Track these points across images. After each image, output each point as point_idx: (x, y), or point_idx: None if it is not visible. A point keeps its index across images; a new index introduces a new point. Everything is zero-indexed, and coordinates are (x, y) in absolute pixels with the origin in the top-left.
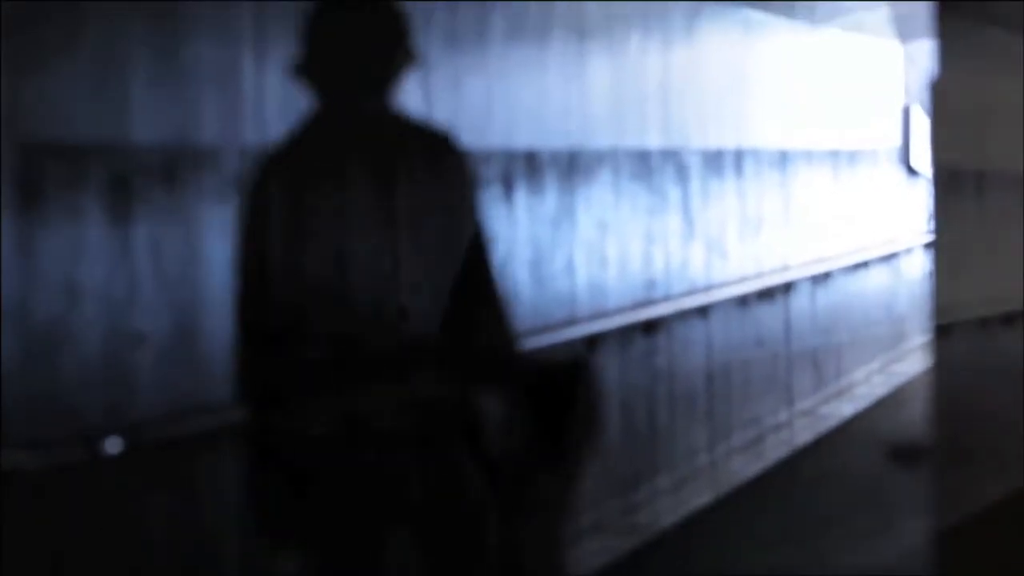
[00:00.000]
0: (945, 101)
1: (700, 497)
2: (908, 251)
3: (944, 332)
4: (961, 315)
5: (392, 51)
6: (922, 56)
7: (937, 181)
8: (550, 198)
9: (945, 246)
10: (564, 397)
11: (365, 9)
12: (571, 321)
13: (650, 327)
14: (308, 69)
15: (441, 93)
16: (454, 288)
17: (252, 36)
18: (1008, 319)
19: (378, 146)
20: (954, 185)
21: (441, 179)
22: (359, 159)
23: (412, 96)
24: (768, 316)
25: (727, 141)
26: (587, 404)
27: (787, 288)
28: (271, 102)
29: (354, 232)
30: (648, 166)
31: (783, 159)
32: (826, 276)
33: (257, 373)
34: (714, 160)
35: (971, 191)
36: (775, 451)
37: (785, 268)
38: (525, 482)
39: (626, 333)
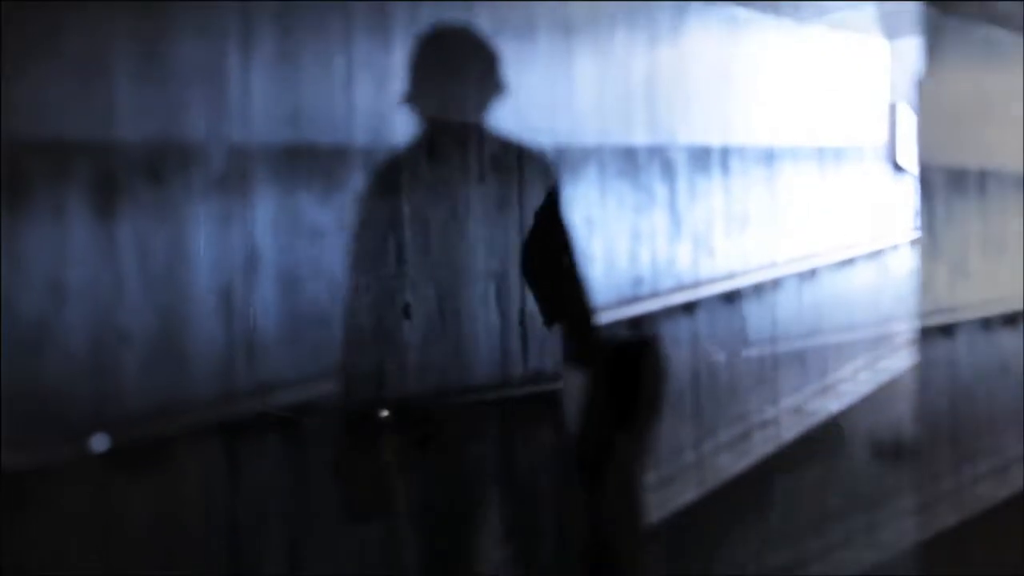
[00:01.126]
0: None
1: (687, 493)
2: (895, 248)
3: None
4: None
5: (485, 81)
6: (909, 54)
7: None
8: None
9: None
10: (635, 369)
11: (463, 46)
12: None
13: (636, 324)
14: (415, 96)
15: None
16: (548, 274)
17: (238, 33)
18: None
19: (476, 159)
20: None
21: (532, 184)
22: (458, 171)
23: (399, 92)
24: (754, 313)
25: (713, 138)
26: (654, 375)
27: (774, 285)
28: (257, 99)
29: (457, 230)
30: (634, 163)
31: (769, 156)
32: (812, 273)
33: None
34: (700, 157)
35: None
36: (762, 448)
37: (772, 265)
38: (604, 442)
39: (612, 330)
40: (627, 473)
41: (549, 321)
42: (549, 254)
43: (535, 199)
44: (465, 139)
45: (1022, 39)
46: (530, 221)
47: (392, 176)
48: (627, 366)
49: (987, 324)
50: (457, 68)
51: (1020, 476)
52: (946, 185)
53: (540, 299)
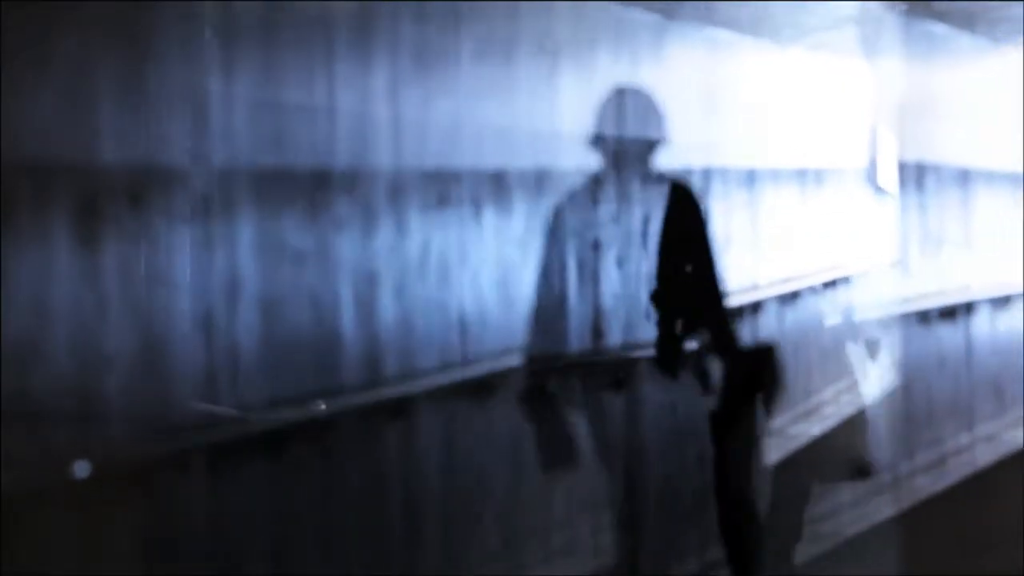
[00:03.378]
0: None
1: None
2: (876, 270)
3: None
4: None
5: (655, 131)
6: (889, 76)
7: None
8: (518, 218)
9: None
10: (761, 368)
11: (638, 103)
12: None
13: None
14: (597, 141)
15: (409, 113)
16: (698, 285)
17: (219, 58)
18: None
19: (646, 194)
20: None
21: (684, 213)
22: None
23: (382, 115)
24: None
25: (695, 160)
26: (774, 374)
27: (755, 308)
28: (239, 124)
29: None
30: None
31: (751, 178)
32: (794, 295)
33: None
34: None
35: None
36: None
37: (753, 287)
38: (736, 424)
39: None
40: (749, 451)
41: (687, 324)
42: (696, 267)
43: (681, 220)
44: (635, 172)
45: (964, 35)
46: (669, 232)
47: (580, 198)
48: (756, 365)
49: (924, 318)
50: (633, 119)
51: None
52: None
53: (672, 305)
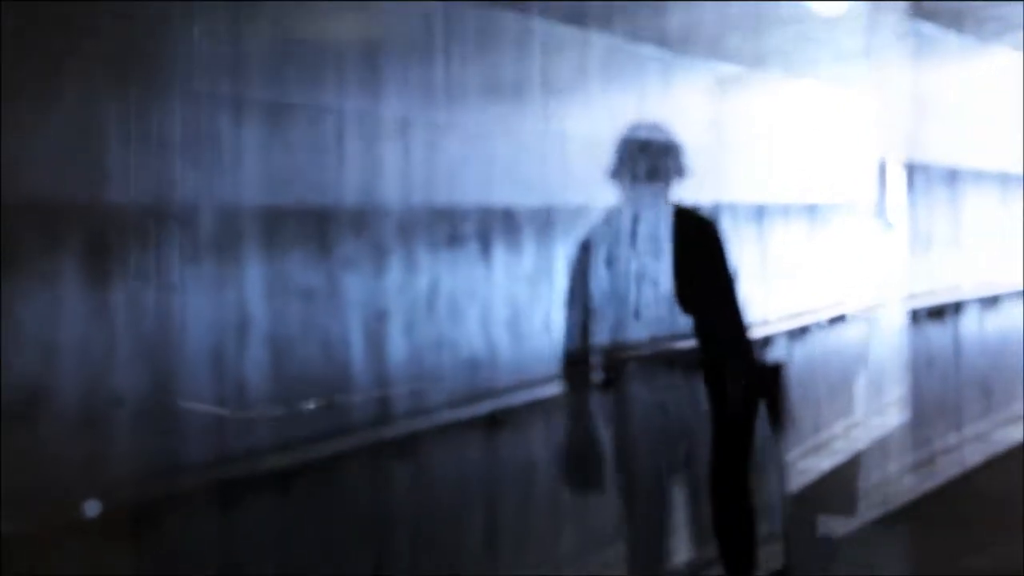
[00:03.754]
0: None
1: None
2: (885, 304)
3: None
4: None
5: (674, 165)
6: (898, 109)
7: None
8: (527, 255)
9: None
10: (770, 382)
11: (658, 138)
12: (550, 378)
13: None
14: (618, 174)
15: (418, 150)
16: (715, 312)
17: (229, 97)
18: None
19: (662, 223)
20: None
21: (701, 243)
22: (649, 230)
23: (392, 154)
24: None
25: (704, 195)
26: (782, 389)
27: (766, 342)
28: (247, 163)
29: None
30: None
31: (760, 213)
32: (803, 330)
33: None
34: None
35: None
36: None
37: (764, 322)
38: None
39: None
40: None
41: (707, 343)
42: (713, 289)
43: (698, 247)
44: (654, 205)
45: (952, 34)
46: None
47: (602, 229)
48: (765, 379)
49: (914, 317)
50: (652, 154)
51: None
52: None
53: (698, 323)
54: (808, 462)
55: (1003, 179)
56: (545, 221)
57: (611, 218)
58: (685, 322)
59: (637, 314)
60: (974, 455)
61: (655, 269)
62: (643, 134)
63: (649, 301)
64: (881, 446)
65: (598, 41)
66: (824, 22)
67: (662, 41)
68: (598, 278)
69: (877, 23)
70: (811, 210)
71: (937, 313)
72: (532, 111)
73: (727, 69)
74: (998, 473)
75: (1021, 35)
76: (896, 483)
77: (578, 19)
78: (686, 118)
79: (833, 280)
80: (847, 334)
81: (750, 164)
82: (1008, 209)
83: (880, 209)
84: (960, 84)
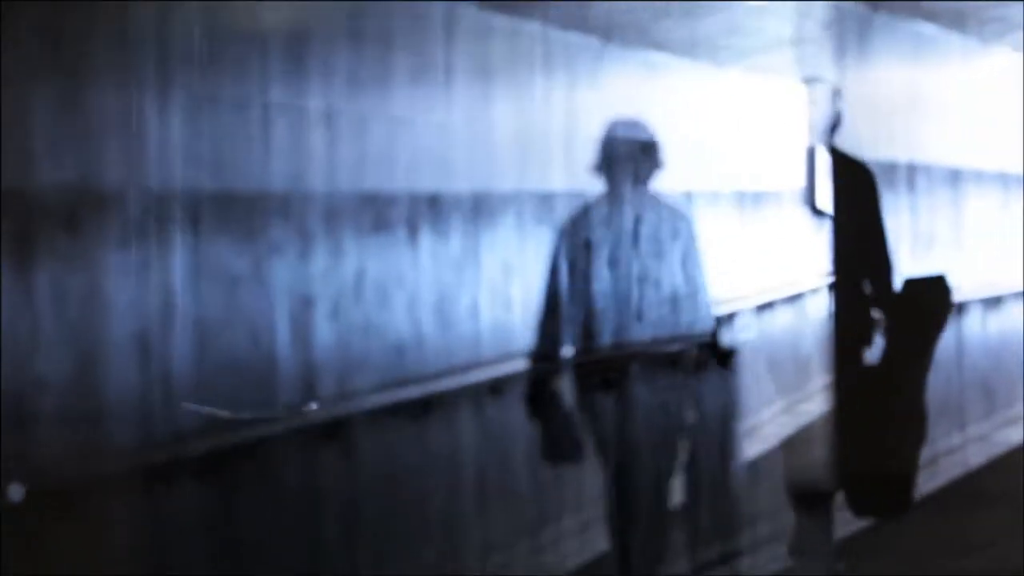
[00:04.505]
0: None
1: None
2: (813, 292)
3: None
4: None
5: (654, 160)
6: (825, 97)
7: None
8: (454, 241)
9: None
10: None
11: (636, 133)
12: (476, 364)
13: (556, 368)
14: (601, 166)
15: (345, 136)
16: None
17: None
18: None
19: (640, 216)
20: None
21: (677, 234)
22: (626, 223)
23: (317, 140)
24: None
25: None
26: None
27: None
28: (174, 146)
29: (624, 265)
30: (552, 208)
31: (688, 200)
32: (731, 317)
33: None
34: None
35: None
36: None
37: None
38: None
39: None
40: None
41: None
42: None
43: (678, 234)
44: (636, 198)
45: (953, 35)
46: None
47: (583, 219)
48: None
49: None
50: (631, 149)
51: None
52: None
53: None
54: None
55: (1003, 180)
56: (473, 207)
57: (592, 209)
58: (662, 315)
59: (639, 315)
60: (976, 456)
61: (651, 265)
62: (625, 132)
63: (634, 292)
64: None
65: (527, 29)
66: (755, 9)
67: (591, 29)
68: (580, 271)
69: (807, 11)
70: (740, 197)
71: None
72: (460, 98)
73: (657, 57)
74: (999, 473)
75: (1022, 36)
76: None
77: (508, 8)
78: (616, 105)
79: (761, 267)
80: (775, 321)
81: (679, 151)
82: (1009, 210)
83: (807, 197)
84: (960, 85)
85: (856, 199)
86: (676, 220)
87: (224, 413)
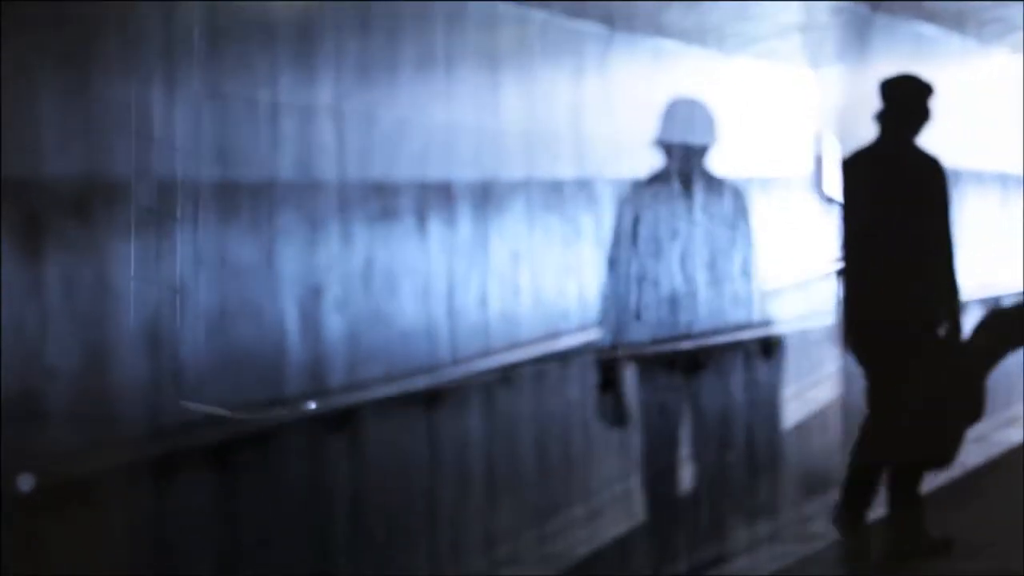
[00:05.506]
0: None
1: (616, 527)
2: (821, 278)
3: None
4: None
5: (708, 134)
6: (834, 83)
7: None
8: (463, 230)
9: None
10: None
11: (694, 110)
12: (485, 352)
13: (565, 357)
14: (661, 139)
15: (353, 125)
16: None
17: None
18: None
19: (699, 190)
20: None
21: (735, 211)
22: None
23: (325, 129)
24: None
25: (640, 170)
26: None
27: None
28: (183, 136)
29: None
30: (561, 196)
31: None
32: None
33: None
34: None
35: None
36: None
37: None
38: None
39: (540, 363)
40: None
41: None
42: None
43: (727, 209)
44: (691, 169)
45: (953, 36)
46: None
47: (644, 191)
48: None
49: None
50: (691, 123)
51: None
52: None
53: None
54: None
55: (1003, 180)
56: (482, 195)
57: (657, 181)
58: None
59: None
60: (975, 456)
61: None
62: (683, 109)
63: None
64: None
65: (535, 14)
66: None
67: (600, 16)
68: (644, 238)
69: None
70: (748, 183)
71: None
72: (467, 87)
73: (665, 44)
74: (998, 473)
75: (1021, 37)
76: None
77: None
78: (624, 92)
79: (769, 252)
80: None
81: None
82: (1008, 210)
83: (815, 182)
84: (960, 85)
85: (928, 200)
86: (733, 196)
87: (223, 412)
